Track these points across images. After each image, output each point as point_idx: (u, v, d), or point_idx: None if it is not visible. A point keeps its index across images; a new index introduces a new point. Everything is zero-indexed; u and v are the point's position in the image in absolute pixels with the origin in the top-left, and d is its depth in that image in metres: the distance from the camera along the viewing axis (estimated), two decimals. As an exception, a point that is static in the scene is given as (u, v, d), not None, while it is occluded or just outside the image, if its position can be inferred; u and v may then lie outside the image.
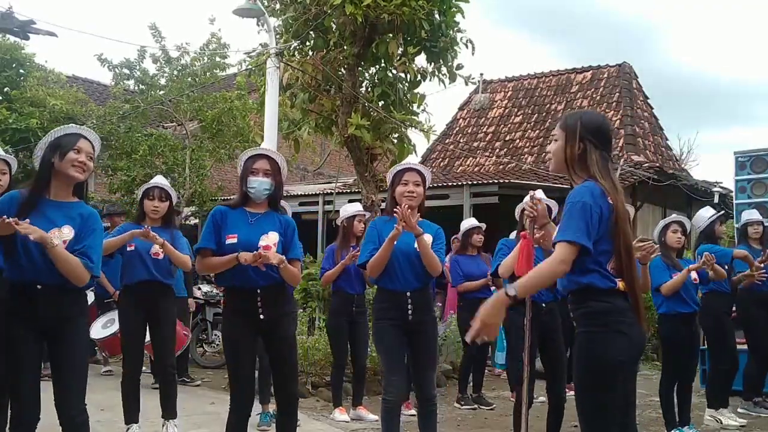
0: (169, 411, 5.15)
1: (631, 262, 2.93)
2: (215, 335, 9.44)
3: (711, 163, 44.32)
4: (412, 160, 4.67)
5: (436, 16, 9.06)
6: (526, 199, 4.94)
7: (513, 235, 5.14)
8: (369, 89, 9.68)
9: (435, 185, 12.50)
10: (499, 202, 12.34)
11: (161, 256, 5.10)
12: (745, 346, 6.87)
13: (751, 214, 7.01)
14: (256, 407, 5.07)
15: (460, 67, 9.43)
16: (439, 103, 58.93)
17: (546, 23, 56.42)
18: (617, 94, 16.94)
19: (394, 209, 4.16)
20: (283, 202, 4.49)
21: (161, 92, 14.06)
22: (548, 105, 17.93)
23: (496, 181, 13.05)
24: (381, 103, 9.46)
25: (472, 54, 9.48)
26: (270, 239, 3.83)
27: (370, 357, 6.97)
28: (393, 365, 4.30)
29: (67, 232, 3.37)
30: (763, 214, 7.69)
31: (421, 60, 9.42)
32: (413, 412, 6.55)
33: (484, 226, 7.63)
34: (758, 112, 47.33)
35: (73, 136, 3.46)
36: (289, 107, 9.61)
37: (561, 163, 2.99)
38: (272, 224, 3.93)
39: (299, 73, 9.27)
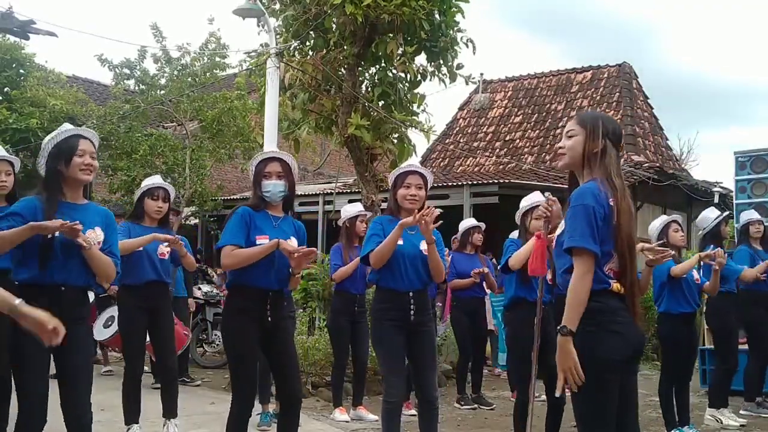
0: (170, 410, 5.15)
1: (633, 263, 2.94)
2: (215, 335, 9.44)
3: (711, 163, 44.34)
4: (414, 161, 4.67)
5: (436, 15, 9.05)
6: (525, 201, 4.96)
7: (514, 234, 5.14)
8: (369, 89, 9.68)
9: (435, 185, 12.47)
10: (499, 202, 12.34)
11: (167, 257, 5.16)
12: (746, 346, 6.88)
13: (750, 215, 7.01)
14: (256, 407, 5.07)
15: (460, 66, 9.43)
16: (439, 103, 59.00)
17: (546, 23, 56.45)
18: (617, 94, 16.93)
19: (405, 211, 4.17)
20: None
21: (161, 92, 14.06)
22: (548, 105, 17.93)
23: (496, 181, 13.06)
24: (381, 103, 9.45)
25: (473, 54, 9.49)
26: (294, 243, 3.88)
27: (370, 357, 6.97)
28: (393, 366, 4.30)
29: (100, 234, 3.50)
30: (763, 214, 7.68)
31: (421, 60, 9.43)
32: (413, 412, 6.55)
33: (483, 225, 7.63)
34: (758, 113, 47.37)
35: (72, 138, 3.48)
36: (289, 107, 9.61)
37: (578, 158, 2.99)
38: (290, 229, 3.98)
39: (299, 73, 9.27)
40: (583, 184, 2.94)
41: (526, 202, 4.99)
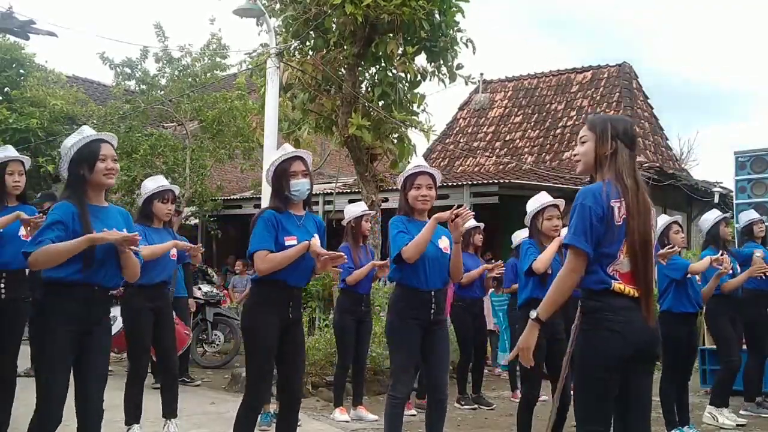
0: (170, 410, 5.16)
1: (648, 262, 2.96)
2: (215, 335, 9.45)
3: (711, 163, 44.30)
4: (421, 161, 4.67)
5: (436, 15, 9.05)
6: (532, 204, 4.97)
7: (517, 235, 5.15)
8: (369, 89, 9.68)
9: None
10: (499, 202, 12.34)
11: (176, 257, 5.24)
12: (745, 346, 6.88)
13: (749, 215, 7.01)
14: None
15: (460, 66, 9.43)
16: (439, 103, 58.86)
17: (547, 23, 56.45)
18: (617, 94, 16.93)
19: (452, 213, 4.19)
20: None
21: (161, 92, 14.07)
22: (548, 105, 17.92)
23: (496, 181, 13.06)
24: (381, 103, 9.46)
25: (473, 53, 9.49)
26: (317, 242, 3.92)
27: (370, 356, 6.98)
28: (407, 364, 4.33)
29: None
30: (763, 213, 7.69)
31: (421, 60, 9.43)
32: (413, 411, 6.57)
33: (483, 226, 7.63)
34: (758, 113, 47.36)
35: (95, 143, 3.53)
36: (289, 108, 9.61)
37: (591, 163, 3.05)
38: (313, 226, 4.04)
39: (299, 73, 9.27)
40: (590, 185, 2.99)
41: (535, 203, 4.99)
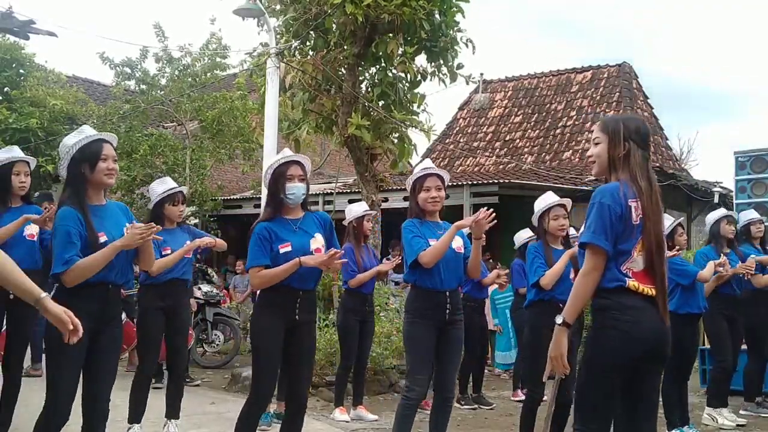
0: (173, 410, 5.17)
1: (662, 261, 2.99)
2: (215, 335, 9.45)
3: (711, 163, 44.32)
4: (428, 163, 4.67)
5: (437, 15, 9.06)
6: (541, 202, 4.97)
7: (519, 236, 5.14)
8: (369, 89, 9.68)
9: (435, 185, 12.48)
10: (499, 202, 12.33)
11: (190, 255, 5.19)
12: (745, 346, 6.88)
13: (749, 214, 7.00)
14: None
15: (460, 66, 9.43)
16: (439, 103, 58.92)
17: (547, 24, 56.46)
18: (617, 93, 16.93)
19: (476, 219, 4.21)
20: None
21: (161, 92, 14.07)
22: (548, 105, 17.92)
23: (496, 181, 13.05)
24: (381, 103, 9.46)
25: (473, 54, 9.49)
26: (318, 242, 3.93)
27: (370, 357, 6.97)
28: (422, 365, 4.34)
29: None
30: (763, 213, 7.69)
31: (421, 60, 9.43)
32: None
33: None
34: (758, 113, 47.35)
35: (96, 143, 3.54)
36: (289, 108, 9.61)
37: (605, 164, 3.05)
38: (314, 225, 4.04)
39: (299, 73, 9.27)
40: (608, 184, 2.99)
41: (541, 203, 5.00)
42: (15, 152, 4.88)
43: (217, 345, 9.52)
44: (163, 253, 4.98)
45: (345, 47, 9.13)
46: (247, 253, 3.94)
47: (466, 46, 9.35)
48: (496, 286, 8.97)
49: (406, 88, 9.52)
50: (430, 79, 9.51)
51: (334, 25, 9.17)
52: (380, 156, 9.77)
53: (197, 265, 7.65)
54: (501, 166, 16.57)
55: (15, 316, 4.64)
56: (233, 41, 44.96)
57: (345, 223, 6.56)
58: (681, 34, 52.91)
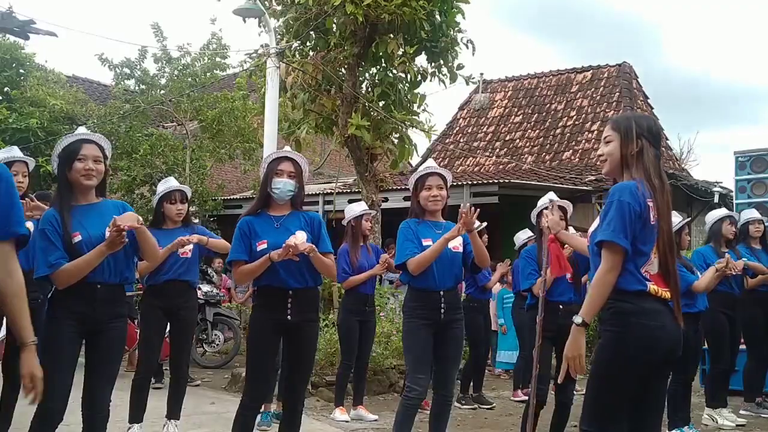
0: (174, 411, 5.16)
1: (674, 262, 2.95)
2: (215, 335, 9.45)
3: (711, 163, 44.34)
4: (431, 163, 4.67)
5: (437, 16, 9.06)
6: (543, 201, 4.97)
7: (518, 236, 5.15)
8: (369, 89, 9.68)
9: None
10: (499, 202, 12.34)
11: (189, 255, 5.15)
12: (744, 346, 6.88)
13: (751, 213, 6.99)
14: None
15: (460, 67, 9.44)
16: (439, 103, 58.97)
17: (547, 24, 56.46)
18: (617, 93, 16.93)
19: (462, 213, 4.19)
20: None
21: (161, 92, 14.07)
22: (548, 105, 17.92)
23: (496, 181, 13.05)
24: (381, 103, 9.46)
25: (473, 55, 9.50)
26: (298, 238, 3.83)
27: (372, 357, 6.97)
28: (420, 365, 4.33)
29: None
30: (763, 213, 7.68)
31: (421, 60, 9.43)
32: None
33: (485, 224, 7.61)
34: (758, 113, 47.35)
35: (76, 143, 3.51)
36: (290, 108, 9.61)
37: (617, 163, 2.99)
38: (298, 223, 3.97)
39: (299, 73, 9.27)
40: (624, 182, 2.93)
41: (542, 202, 5.00)
42: (14, 152, 4.87)
43: (217, 345, 9.52)
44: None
45: (345, 47, 9.13)
46: None
47: (467, 46, 9.36)
48: (504, 285, 8.98)
49: (406, 88, 9.52)
50: (430, 80, 9.51)
51: (334, 26, 9.17)
52: (380, 156, 9.78)
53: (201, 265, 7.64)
54: (501, 166, 16.58)
55: None
56: (234, 41, 45.05)
57: (344, 222, 6.57)
58: (681, 34, 52.91)
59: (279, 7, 9.53)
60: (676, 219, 5.94)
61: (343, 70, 9.39)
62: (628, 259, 2.83)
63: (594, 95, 17.33)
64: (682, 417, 5.84)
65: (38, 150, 12.95)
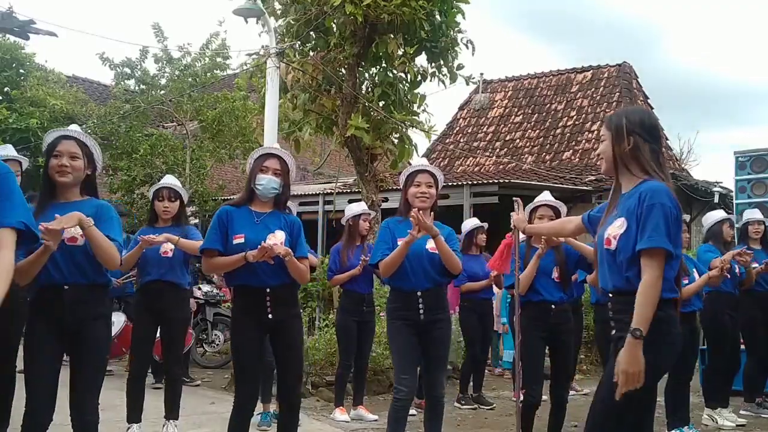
0: (172, 411, 5.16)
1: (682, 264, 2.86)
2: (215, 335, 9.44)
3: (711, 163, 44.34)
4: (424, 162, 4.66)
5: (437, 16, 9.06)
6: (537, 199, 4.98)
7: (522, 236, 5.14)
8: (369, 89, 9.68)
9: (435, 185, 12.49)
10: (499, 202, 12.34)
11: (170, 254, 5.10)
12: (744, 346, 6.88)
13: (753, 214, 6.97)
14: (257, 407, 5.06)
15: (460, 67, 9.43)
16: (439, 103, 58.96)
17: (548, 25, 56.47)
18: (617, 93, 16.94)
19: (410, 211, 4.15)
20: (288, 202, 4.49)
21: (161, 92, 14.07)
22: (548, 105, 17.93)
23: (496, 181, 13.06)
24: (381, 103, 9.46)
25: (472, 55, 9.50)
26: (277, 238, 3.78)
27: (371, 357, 6.97)
28: (405, 364, 4.31)
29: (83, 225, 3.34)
30: (764, 213, 7.67)
31: (421, 60, 9.43)
32: (413, 411, 6.56)
33: (486, 225, 7.63)
34: (758, 113, 47.36)
35: (56, 139, 3.46)
36: (291, 109, 9.61)
37: (611, 162, 2.89)
38: (278, 223, 3.92)
39: (299, 73, 9.27)
40: (650, 182, 2.78)
41: (536, 201, 5.00)
42: (8, 151, 4.87)
43: (217, 345, 9.51)
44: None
45: (345, 47, 9.13)
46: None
47: (467, 46, 9.36)
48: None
49: (406, 88, 9.52)
50: (430, 80, 9.51)
51: (334, 26, 9.17)
52: (380, 156, 9.78)
53: (197, 264, 7.62)
54: (501, 166, 16.58)
55: (7, 316, 4.63)
56: (235, 42, 45.05)
57: (343, 221, 6.60)
58: (681, 34, 52.91)
59: (279, 7, 9.53)
60: (717, 215, 6.01)
61: (343, 70, 9.39)
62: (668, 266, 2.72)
63: (594, 95, 17.34)
64: (682, 417, 5.84)
65: (38, 150, 12.94)
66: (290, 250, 3.77)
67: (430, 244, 4.23)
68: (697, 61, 52.88)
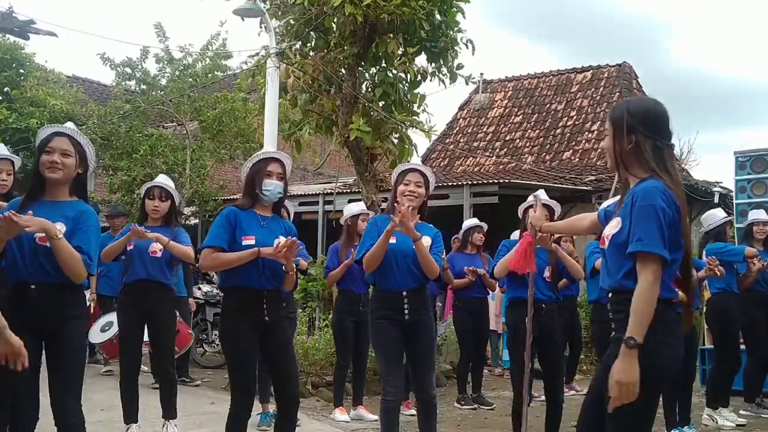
0: (169, 411, 5.15)
1: (691, 266, 2.73)
2: (215, 335, 9.44)
3: (711, 163, 44.35)
4: (415, 161, 4.67)
5: (437, 16, 9.05)
6: (530, 198, 4.97)
7: (515, 235, 5.16)
8: (369, 89, 9.67)
9: (435, 185, 12.48)
10: (499, 202, 12.34)
11: (159, 254, 5.08)
12: (744, 347, 6.88)
13: (758, 214, 6.95)
14: (256, 407, 5.07)
15: (460, 67, 9.42)
16: (439, 103, 58.98)
17: (548, 25, 56.48)
18: (617, 94, 16.93)
19: (395, 206, 4.15)
20: (286, 202, 4.50)
21: (162, 92, 14.07)
22: (548, 105, 17.93)
23: (496, 181, 13.05)
24: (381, 103, 9.45)
25: (472, 54, 9.48)
26: (281, 242, 3.82)
27: (370, 357, 6.98)
28: (391, 364, 4.29)
29: (60, 228, 3.30)
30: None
31: (421, 60, 9.42)
32: (413, 411, 6.57)
33: (485, 225, 7.65)
34: (758, 113, 47.36)
35: (47, 136, 3.44)
36: (290, 109, 9.60)
37: (614, 159, 2.74)
38: (279, 229, 3.96)
39: (299, 73, 9.27)
40: (648, 182, 2.63)
41: (530, 199, 5.01)
42: (0, 150, 4.86)
43: (217, 345, 9.51)
44: (128, 248, 5.00)
45: (345, 48, 9.13)
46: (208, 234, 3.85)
47: (466, 46, 9.35)
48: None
49: (406, 88, 9.52)
50: (431, 80, 9.50)
51: (333, 26, 9.17)
52: (380, 156, 9.77)
53: (197, 264, 7.61)
54: (501, 166, 16.58)
55: None
56: (236, 42, 45.04)
57: (341, 221, 6.62)
58: (681, 34, 52.88)
59: (279, 8, 9.52)
60: (720, 214, 6.06)
61: (342, 70, 9.38)
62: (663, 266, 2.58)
63: (594, 95, 17.34)
64: (682, 417, 5.84)
65: (38, 150, 12.96)
66: (293, 264, 3.83)
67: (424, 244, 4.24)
68: (697, 61, 52.91)
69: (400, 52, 9.04)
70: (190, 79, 13.78)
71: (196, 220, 15.20)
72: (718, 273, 5.92)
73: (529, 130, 17.61)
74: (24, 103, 13.73)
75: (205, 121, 13.36)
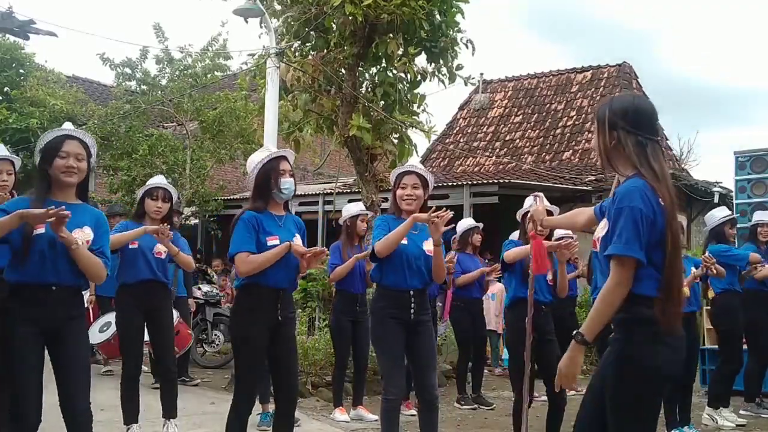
0: (169, 410, 5.15)
1: (679, 263, 2.66)
2: (215, 335, 9.45)
3: (711, 163, 44.34)
4: (414, 162, 4.66)
5: (437, 16, 9.05)
6: (529, 201, 4.96)
7: (514, 235, 5.15)
8: (369, 89, 9.67)
9: (435, 185, 12.44)
10: (499, 202, 12.35)
11: (163, 256, 5.10)
12: (745, 346, 6.88)
13: (764, 216, 6.95)
14: (256, 407, 5.07)
15: (460, 67, 9.42)
16: (439, 103, 58.95)
17: (548, 25, 56.48)
18: (617, 93, 16.93)
19: (406, 212, 4.22)
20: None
21: (162, 93, 14.07)
22: (548, 105, 17.93)
23: (496, 181, 13.05)
24: (381, 103, 9.45)
25: (472, 55, 9.48)
26: (299, 242, 3.92)
27: (370, 356, 6.98)
28: (393, 364, 4.29)
29: (89, 233, 3.45)
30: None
31: (421, 60, 9.42)
32: (413, 411, 6.57)
33: (481, 225, 7.64)
34: (758, 113, 47.37)
35: (58, 139, 3.47)
36: (290, 109, 9.60)
37: (600, 157, 2.74)
38: (294, 226, 4.02)
39: (299, 73, 9.27)
40: (629, 181, 2.60)
41: (529, 201, 5.00)
42: (0, 150, 4.85)
43: (217, 345, 9.51)
44: (130, 247, 5.00)
45: (345, 47, 9.12)
46: (231, 240, 3.86)
47: (466, 46, 9.34)
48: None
49: (406, 88, 9.51)
50: (430, 80, 9.50)
51: (333, 26, 9.17)
52: (380, 156, 9.77)
53: (196, 265, 7.61)
54: (501, 166, 16.58)
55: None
56: (236, 42, 45.04)
57: (341, 221, 6.61)
58: (681, 35, 52.90)
59: (279, 7, 9.52)
60: (722, 212, 6.09)
61: (343, 70, 9.38)
62: (646, 265, 2.55)
63: (594, 95, 17.34)
64: (681, 417, 5.84)
65: (38, 150, 12.95)
66: (306, 266, 3.93)
67: (427, 246, 4.27)
68: (697, 60, 52.91)
69: (400, 52, 9.04)
70: (191, 80, 13.78)
71: (196, 220, 15.20)
72: (715, 272, 5.93)
73: (529, 130, 17.61)
74: (24, 103, 13.73)
75: (205, 121, 13.35)
